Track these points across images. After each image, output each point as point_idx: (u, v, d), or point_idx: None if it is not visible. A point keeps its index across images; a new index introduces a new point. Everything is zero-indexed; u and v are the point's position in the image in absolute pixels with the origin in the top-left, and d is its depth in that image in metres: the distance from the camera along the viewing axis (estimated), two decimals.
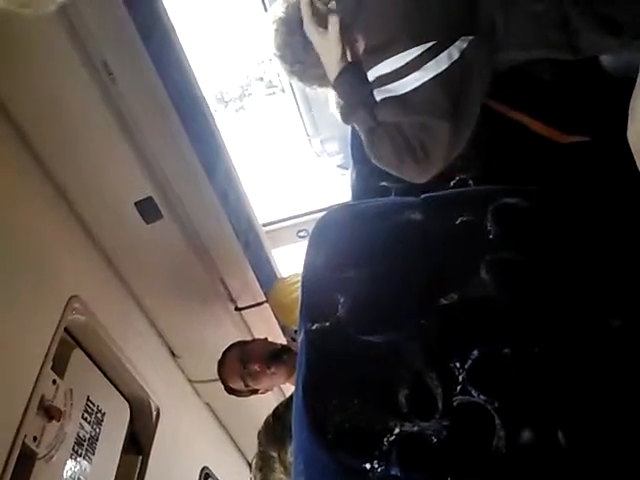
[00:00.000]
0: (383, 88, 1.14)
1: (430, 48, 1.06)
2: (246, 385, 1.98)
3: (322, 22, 1.18)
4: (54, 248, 1.83)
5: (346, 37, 1.17)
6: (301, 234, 2.62)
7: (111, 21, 1.60)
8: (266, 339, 2.14)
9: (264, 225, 2.62)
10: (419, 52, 1.07)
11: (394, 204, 1.27)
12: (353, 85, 1.19)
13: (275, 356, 1.98)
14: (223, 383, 2.04)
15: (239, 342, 2.11)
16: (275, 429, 1.55)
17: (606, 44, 1.05)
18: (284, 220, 2.78)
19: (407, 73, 1.08)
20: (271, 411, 1.79)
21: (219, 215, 2.03)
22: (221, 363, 2.04)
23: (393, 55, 1.09)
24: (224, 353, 2.06)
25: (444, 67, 1.06)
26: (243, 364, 1.97)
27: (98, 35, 1.57)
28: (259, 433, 1.71)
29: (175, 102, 1.76)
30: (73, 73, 1.61)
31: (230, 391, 2.05)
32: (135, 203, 1.86)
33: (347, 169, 1.81)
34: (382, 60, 1.11)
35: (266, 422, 1.68)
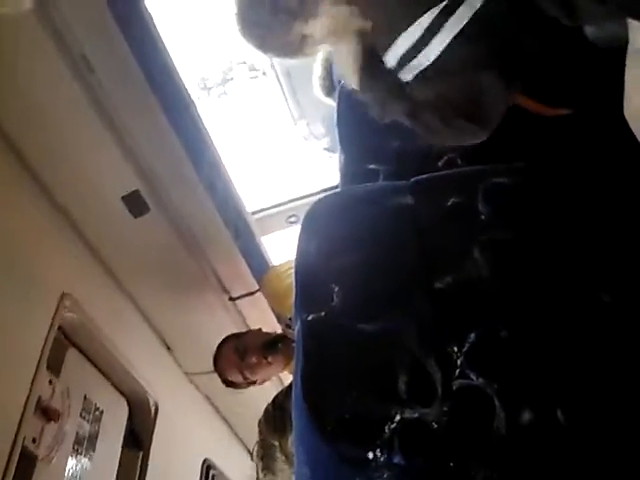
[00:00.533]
0: (410, 65, 1.05)
1: (446, 6, 0.98)
2: (244, 377, 1.97)
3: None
4: (42, 247, 1.81)
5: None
6: (291, 220, 2.60)
7: (89, 13, 1.57)
8: (260, 329, 2.13)
9: (253, 212, 2.60)
10: (435, 14, 0.99)
11: (384, 189, 1.26)
12: (377, 80, 1.10)
13: (271, 346, 1.97)
14: (220, 377, 2.04)
15: (233, 335, 2.10)
16: (275, 418, 1.55)
17: (591, 11, 1.02)
18: (273, 207, 2.76)
19: (429, 40, 1.01)
20: (271, 400, 1.79)
21: (207, 205, 2.01)
22: (217, 357, 2.03)
23: (408, 27, 1.01)
24: (219, 346, 2.05)
25: (467, 19, 0.98)
26: (240, 356, 1.97)
27: (76, 28, 1.53)
28: (259, 422, 1.71)
29: (157, 93, 1.74)
30: (53, 68, 1.57)
31: (228, 384, 2.04)
32: (122, 197, 1.84)
33: (334, 152, 1.79)
34: (398, 36, 1.03)
35: (266, 411, 1.68)
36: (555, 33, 1.09)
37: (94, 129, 1.71)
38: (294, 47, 1.13)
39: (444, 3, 0.99)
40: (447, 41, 1.00)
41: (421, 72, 1.05)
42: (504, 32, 1.02)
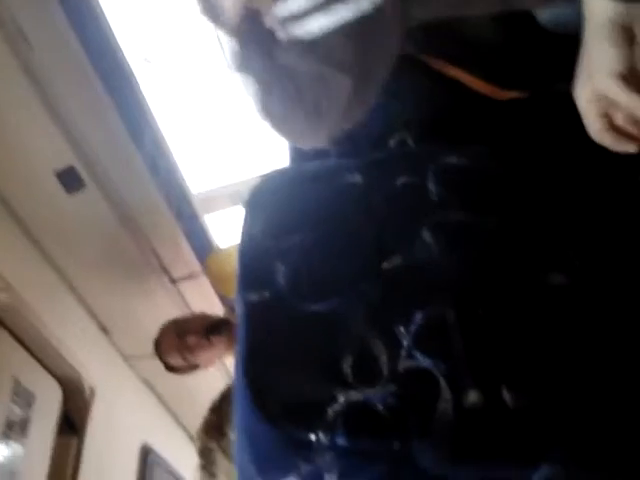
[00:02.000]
0: (287, 29, 0.97)
1: None
2: (184, 359, 1.92)
3: None
4: None
5: None
6: (237, 200, 2.55)
7: None
8: (204, 313, 2.08)
9: (198, 192, 2.53)
10: None
11: (333, 167, 1.23)
12: (253, 31, 1.00)
13: (213, 328, 1.93)
14: (161, 360, 1.98)
15: (175, 318, 2.05)
16: (212, 420, 1.51)
17: None
18: (219, 186, 2.70)
19: (312, 15, 0.93)
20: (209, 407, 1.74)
21: (147, 183, 1.94)
22: (158, 340, 1.98)
23: None
24: (160, 330, 1.99)
25: (354, 14, 0.91)
26: (180, 338, 1.91)
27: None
28: (197, 432, 1.66)
29: (94, 62, 1.66)
30: None
31: (169, 368, 1.99)
32: (56, 173, 1.76)
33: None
34: None
35: (204, 420, 1.64)
36: (505, 18, 1.08)
37: (26, 100, 1.63)
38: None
39: None
40: (327, 26, 0.93)
41: (293, 40, 0.97)
42: (379, 44, 0.97)
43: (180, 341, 1.92)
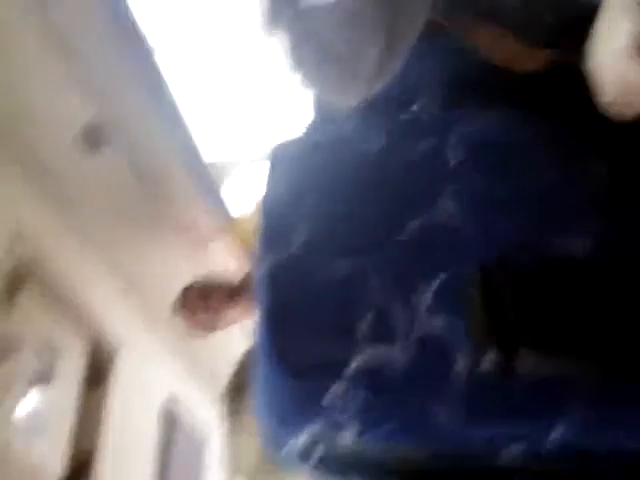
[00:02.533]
0: None
1: None
2: (208, 321, 1.95)
3: None
4: None
5: None
6: (259, 162, 2.55)
7: None
8: (224, 274, 2.10)
9: (218, 153, 2.54)
10: None
11: (354, 131, 1.23)
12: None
13: (235, 290, 1.94)
14: (185, 321, 2.00)
15: (196, 281, 2.07)
16: (235, 383, 1.54)
17: None
18: (240, 147, 2.70)
19: None
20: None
21: (168, 143, 1.95)
22: (181, 302, 1.99)
23: None
24: (183, 291, 2.02)
25: None
26: (203, 299, 1.94)
27: None
28: (221, 394, 1.69)
29: (117, 22, 1.65)
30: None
31: (192, 329, 2.01)
32: (79, 131, 1.77)
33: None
34: None
35: (227, 382, 1.66)
36: None
37: (50, 59, 1.63)
38: None
39: None
40: None
41: (316, 7, 0.97)
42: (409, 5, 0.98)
43: (203, 303, 1.94)
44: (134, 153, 1.93)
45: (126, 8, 1.74)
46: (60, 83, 1.69)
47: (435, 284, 0.88)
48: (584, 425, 0.76)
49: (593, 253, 0.89)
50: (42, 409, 1.84)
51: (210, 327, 1.98)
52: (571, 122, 1.14)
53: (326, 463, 0.84)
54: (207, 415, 2.62)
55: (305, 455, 0.84)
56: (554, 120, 1.15)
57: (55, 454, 1.86)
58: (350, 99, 1.06)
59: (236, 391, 1.51)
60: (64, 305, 2.00)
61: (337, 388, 0.79)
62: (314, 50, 1.00)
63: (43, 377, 1.87)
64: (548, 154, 1.06)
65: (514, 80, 1.23)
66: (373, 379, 0.80)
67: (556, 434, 0.76)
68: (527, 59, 1.22)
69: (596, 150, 1.04)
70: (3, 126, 1.75)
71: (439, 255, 0.92)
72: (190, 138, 2.17)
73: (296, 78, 1.06)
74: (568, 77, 1.13)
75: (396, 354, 0.82)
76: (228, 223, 2.35)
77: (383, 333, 0.84)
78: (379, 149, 1.12)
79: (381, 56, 0.99)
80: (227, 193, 2.52)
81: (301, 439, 0.82)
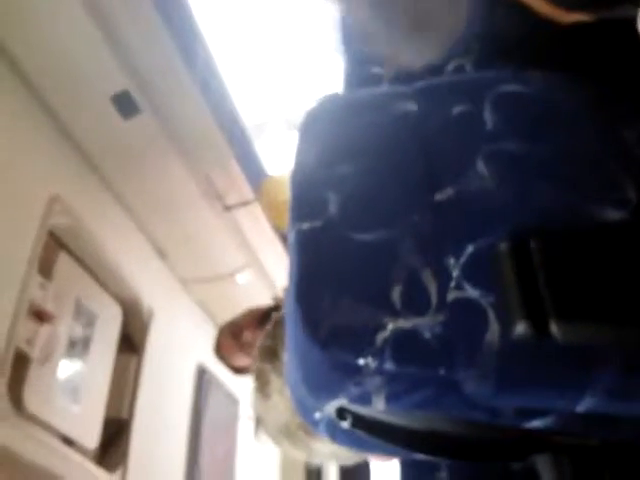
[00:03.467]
0: None
1: None
2: (249, 356, 1.90)
3: None
4: (30, 150, 1.76)
5: None
6: (290, 125, 2.53)
7: None
8: (252, 308, 2.04)
9: (251, 118, 2.52)
10: None
11: (387, 94, 1.20)
12: None
13: (265, 317, 1.90)
14: (226, 365, 1.98)
15: (227, 322, 2.04)
16: (266, 345, 1.55)
17: None
18: (272, 112, 2.68)
19: None
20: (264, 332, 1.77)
21: (201, 108, 1.94)
22: (217, 346, 1.98)
23: None
24: (216, 336, 1.99)
25: None
26: (236, 338, 1.91)
27: None
28: (254, 355, 1.69)
29: None
30: None
31: (236, 371, 1.98)
32: (111, 97, 1.77)
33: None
34: None
35: (258, 344, 1.66)
36: None
37: (81, 25, 1.63)
38: None
39: None
40: None
41: None
42: None
43: (237, 341, 1.91)
44: (168, 117, 1.92)
45: None
46: (93, 49, 1.69)
47: (468, 252, 0.86)
48: (613, 393, 0.75)
49: (629, 222, 0.86)
50: (78, 375, 1.88)
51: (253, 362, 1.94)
52: (617, 83, 1.09)
53: (354, 431, 0.84)
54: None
55: (334, 423, 0.84)
56: (598, 80, 1.10)
57: (90, 421, 1.91)
58: (424, 54, 1.04)
59: (266, 354, 1.52)
60: (99, 269, 2.03)
61: (366, 357, 0.79)
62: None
63: (81, 343, 1.91)
64: (590, 118, 1.02)
65: (558, 34, 1.18)
66: (402, 348, 0.79)
67: (585, 402, 0.75)
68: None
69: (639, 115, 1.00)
70: (35, 91, 1.76)
71: (473, 222, 0.90)
72: (227, 96, 2.16)
73: (368, 34, 1.04)
74: (619, 32, 1.08)
75: (426, 323, 0.81)
76: (262, 186, 2.34)
77: (414, 301, 0.83)
78: (412, 113, 1.09)
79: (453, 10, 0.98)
80: (264, 153, 2.51)
81: (329, 408, 0.82)
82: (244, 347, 1.89)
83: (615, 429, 0.80)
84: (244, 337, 1.89)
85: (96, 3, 1.60)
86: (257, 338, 1.90)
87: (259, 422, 1.42)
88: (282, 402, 1.37)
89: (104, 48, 1.67)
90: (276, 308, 1.95)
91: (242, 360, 1.92)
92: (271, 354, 1.47)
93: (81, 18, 1.60)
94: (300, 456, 1.12)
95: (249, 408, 1.54)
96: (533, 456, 0.83)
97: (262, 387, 1.46)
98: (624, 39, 1.12)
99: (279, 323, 1.19)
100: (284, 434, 1.25)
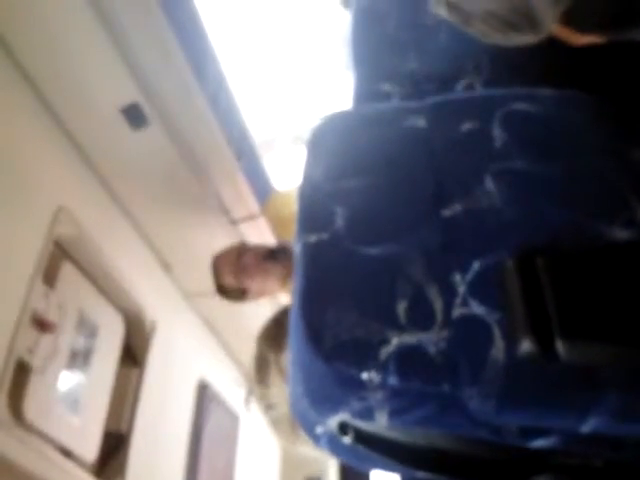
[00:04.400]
0: None
1: None
2: (236, 278, 1.92)
3: None
4: (38, 159, 1.77)
5: None
6: (297, 141, 2.53)
7: None
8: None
9: (258, 134, 2.53)
10: None
11: (397, 110, 1.20)
12: None
13: (270, 253, 1.94)
14: (215, 277, 1.98)
15: (239, 242, 2.08)
16: (273, 333, 1.54)
17: None
18: (280, 128, 2.69)
19: None
20: (271, 316, 1.77)
21: (209, 122, 1.94)
22: (217, 256, 1.99)
23: None
24: (223, 250, 2.01)
25: None
26: (238, 255, 1.93)
27: None
28: (257, 337, 1.70)
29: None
30: None
31: (220, 288, 1.99)
32: (121, 109, 1.78)
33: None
34: None
35: (264, 326, 1.67)
36: None
37: (92, 36, 1.64)
38: None
39: None
40: None
41: None
42: None
43: (237, 260, 1.93)
44: (176, 130, 1.93)
45: None
46: (103, 61, 1.70)
47: (474, 268, 0.85)
48: (617, 414, 0.74)
49: (637, 242, 0.85)
50: (79, 387, 1.87)
51: (238, 289, 1.95)
52: (626, 103, 1.10)
53: (356, 447, 0.83)
54: (241, 394, 2.64)
55: (336, 439, 0.83)
56: (607, 100, 1.10)
57: (90, 433, 1.89)
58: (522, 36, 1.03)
59: (270, 340, 1.51)
60: (103, 281, 2.03)
61: (370, 371, 0.78)
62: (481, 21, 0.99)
63: (82, 354, 1.90)
64: (598, 137, 1.02)
65: (566, 55, 1.19)
66: (406, 363, 0.78)
67: (589, 423, 0.74)
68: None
69: None
70: (45, 102, 1.77)
71: (480, 238, 0.90)
72: (236, 110, 2.17)
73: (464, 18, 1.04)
74: (629, 54, 1.08)
75: (431, 338, 0.80)
76: (269, 200, 2.34)
77: (419, 317, 0.82)
78: (421, 129, 1.09)
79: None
80: (271, 168, 2.52)
81: (332, 422, 0.82)
82: (239, 269, 1.93)
83: (619, 450, 0.79)
84: (245, 259, 1.93)
85: (109, 17, 1.61)
86: (253, 267, 1.93)
87: (264, 415, 1.40)
88: (280, 395, 1.36)
89: (115, 61, 1.68)
90: (284, 250, 1.96)
91: (229, 279, 1.95)
92: (275, 341, 1.45)
93: (93, 32, 1.62)
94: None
95: (253, 422, 1.52)
96: (535, 477, 0.82)
97: (261, 374, 1.44)
98: (634, 61, 1.12)
99: (288, 312, 1.17)
100: (279, 424, 1.25)
